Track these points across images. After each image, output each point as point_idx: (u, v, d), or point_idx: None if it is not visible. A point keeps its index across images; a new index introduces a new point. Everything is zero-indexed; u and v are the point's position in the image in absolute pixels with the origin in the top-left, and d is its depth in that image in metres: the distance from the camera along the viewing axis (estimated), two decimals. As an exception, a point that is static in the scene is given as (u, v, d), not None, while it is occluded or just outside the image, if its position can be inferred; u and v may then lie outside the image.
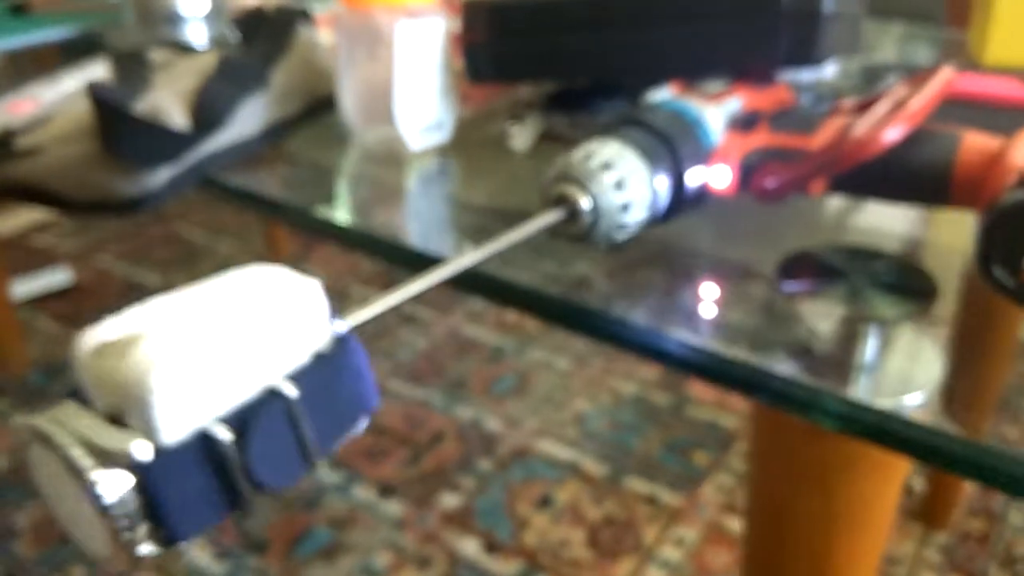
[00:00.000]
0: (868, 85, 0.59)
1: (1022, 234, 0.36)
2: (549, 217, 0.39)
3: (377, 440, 0.80)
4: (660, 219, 0.43)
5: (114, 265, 1.53)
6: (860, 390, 0.31)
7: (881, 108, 0.46)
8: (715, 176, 0.45)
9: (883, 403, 0.30)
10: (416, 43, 0.49)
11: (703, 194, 0.45)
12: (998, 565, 0.79)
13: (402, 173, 0.51)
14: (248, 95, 0.51)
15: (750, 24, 0.50)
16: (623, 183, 0.40)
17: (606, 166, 0.40)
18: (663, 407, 0.92)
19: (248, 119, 0.51)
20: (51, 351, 1.27)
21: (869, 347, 0.35)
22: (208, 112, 0.48)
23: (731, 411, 1.03)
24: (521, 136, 0.50)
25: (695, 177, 0.44)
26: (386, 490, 0.75)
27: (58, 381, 1.18)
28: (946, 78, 0.47)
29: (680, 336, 0.34)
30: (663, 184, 0.42)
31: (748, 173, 0.46)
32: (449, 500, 0.75)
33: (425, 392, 1.02)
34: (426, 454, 0.78)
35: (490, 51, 0.55)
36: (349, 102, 0.53)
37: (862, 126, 0.44)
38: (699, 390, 0.95)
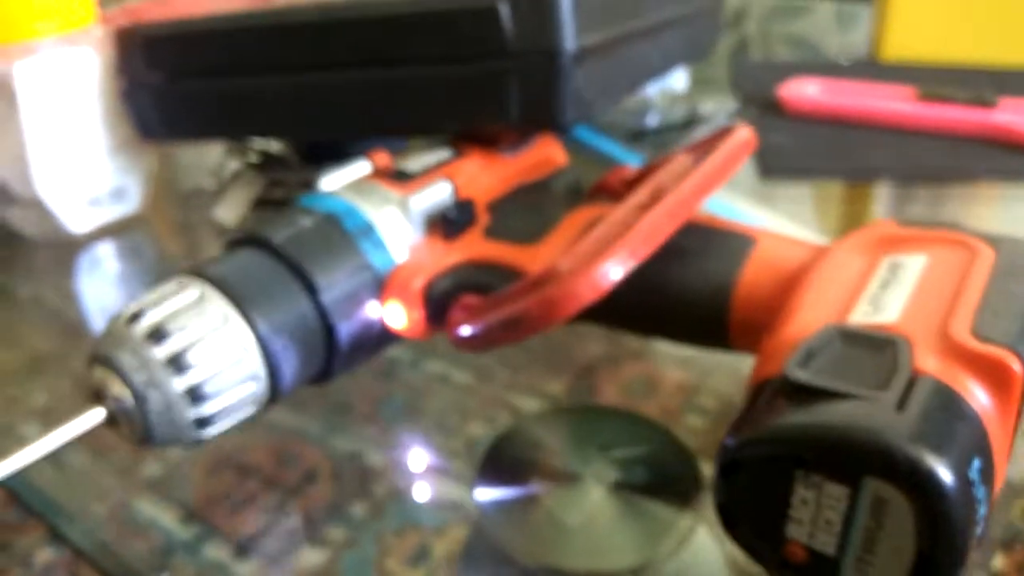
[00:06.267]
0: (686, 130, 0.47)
1: (774, 493, 0.22)
2: (84, 422, 0.27)
3: (241, 484, 0.73)
4: (316, 379, 0.31)
5: None
6: None
7: (629, 205, 0.33)
8: (389, 314, 0.33)
9: None
10: (55, 88, 0.37)
11: (387, 335, 0.33)
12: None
13: (53, 268, 0.38)
14: None
15: (467, 74, 0.38)
16: (185, 362, 0.27)
17: (156, 335, 0.27)
18: (568, 426, 0.83)
19: None
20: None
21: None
22: None
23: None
24: (228, 205, 0.40)
25: (359, 320, 0.31)
26: (242, 548, 0.67)
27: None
28: (726, 156, 0.32)
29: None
30: (283, 346, 0.30)
31: (438, 309, 0.34)
32: (311, 557, 0.67)
33: (302, 420, 0.94)
34: (294, 499, 0.70)
35: (155, 97, 0.44)
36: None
37: (578, 252, 0.30)
38: (611, 400, 0.87)
